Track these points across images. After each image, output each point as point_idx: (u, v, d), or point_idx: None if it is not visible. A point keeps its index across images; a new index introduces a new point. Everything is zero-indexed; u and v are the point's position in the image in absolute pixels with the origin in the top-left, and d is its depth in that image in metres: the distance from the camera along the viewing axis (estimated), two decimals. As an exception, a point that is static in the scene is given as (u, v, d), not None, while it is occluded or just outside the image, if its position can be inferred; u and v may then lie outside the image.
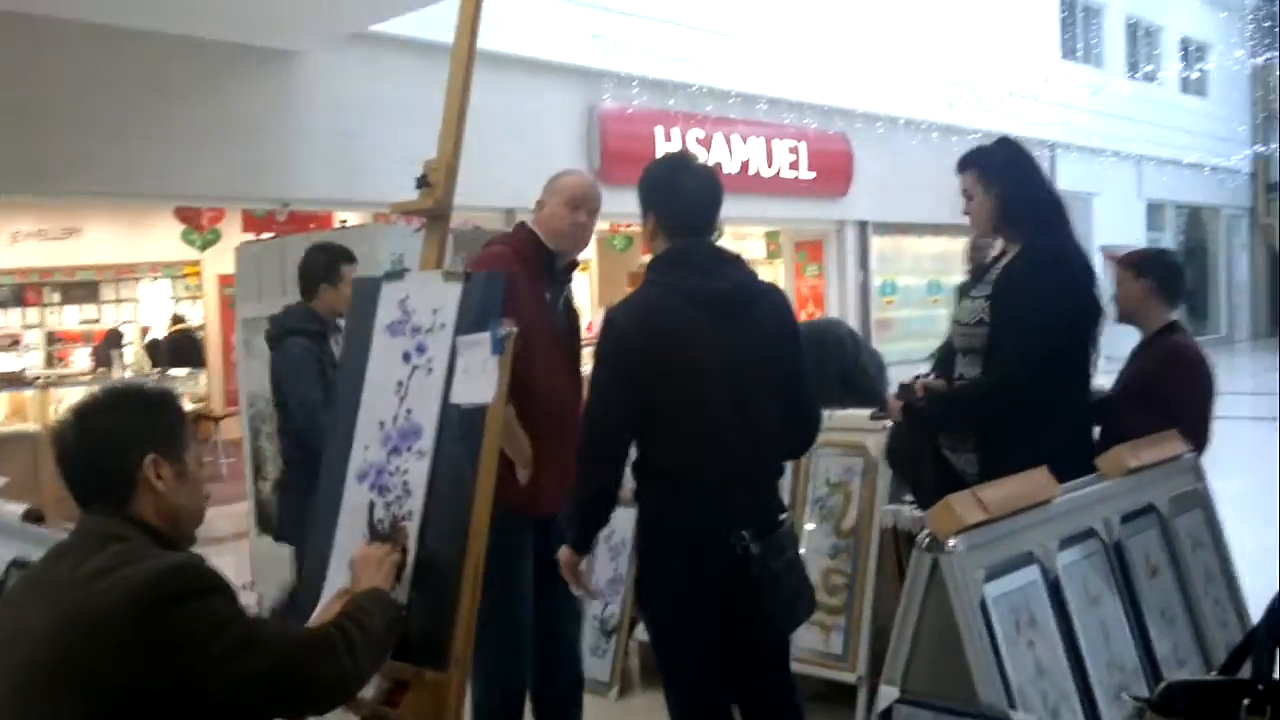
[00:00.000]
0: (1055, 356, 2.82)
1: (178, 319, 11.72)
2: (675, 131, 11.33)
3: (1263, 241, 22.40)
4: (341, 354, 2.63)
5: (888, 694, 2.08)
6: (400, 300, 2.51)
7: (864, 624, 3.64)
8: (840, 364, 4.48)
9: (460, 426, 2.28)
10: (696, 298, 2.59)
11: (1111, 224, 17.60)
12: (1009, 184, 2.98)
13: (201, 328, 12.44)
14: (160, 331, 11.89)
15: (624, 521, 4.34)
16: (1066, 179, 16.16)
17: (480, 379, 2.28)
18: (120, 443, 1.77)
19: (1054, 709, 2.11)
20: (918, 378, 3.13)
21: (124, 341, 11.90)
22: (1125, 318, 3.50)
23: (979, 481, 2.74)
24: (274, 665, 1.66)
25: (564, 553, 2.68)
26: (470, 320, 2.34)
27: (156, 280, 12.65)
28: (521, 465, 2.92)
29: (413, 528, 2.28)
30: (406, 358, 2.44)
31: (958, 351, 3.05)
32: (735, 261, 2.74)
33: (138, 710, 1.59)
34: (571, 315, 3.19)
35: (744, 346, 2.60)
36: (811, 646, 3.69)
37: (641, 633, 4.22)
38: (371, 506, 2.38)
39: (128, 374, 10.39)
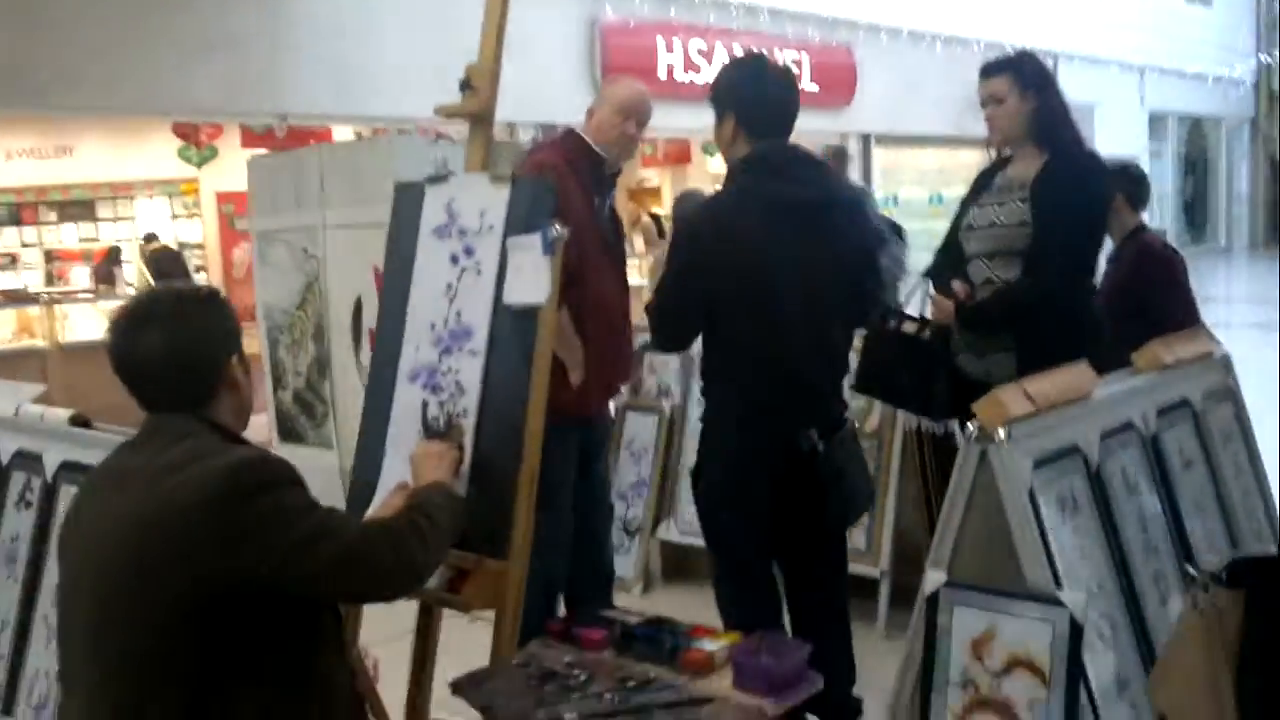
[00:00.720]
0: (1093, 259, 2.99)
1: (151, 237, 11.60)
2: (677, 43, 11.18)
3: (1264, 152, 22.28)
4: (386, 258, 2.64)
5: (935, 579, 2.14)
6: (446, 204, 2.52)
7: (887, 521, 3.73)
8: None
9: (513, 327, 2.31)
10: (775, 204, 2.59)
11: (1114, 134, 17.44)
12: (1044, 91, 3.00)
13: (200, 245, 12.38)
14: (138, 251, 11.78)
15: (645, 427, 4.44)
16: (1069, 89, 15.76)
17: (532, 280, 2.30)
18: (210, 346, 1.79)
19: (1096, 589, 2.18)
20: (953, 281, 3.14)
21: (123, 258, 11.83)
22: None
23: (1006, 382, 2.82)
24: (348, 553, 1.70)
25: None
26: (520, 222, 2.35)
27: (153, 198, 12.54)
28: (574, 369, 3.00)
29: (469, 424, 2.33)
30: (455, 260, 2.46)
31: (977, 256, 3.07)
32: (818, 165, 2.77)
33: (218, 598, 1.63)
34: (616, 222, 3.24)
35: (818, 254, 2.62)
36: (836, 544, 3.78)
37: (664, 531, 4.33)
38: (425, 405, 2.42)
39: (130, 291, 10.34)
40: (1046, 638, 1.99)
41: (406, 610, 2.38)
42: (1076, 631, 1.96)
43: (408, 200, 2.62)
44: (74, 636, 1.74)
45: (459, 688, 2.00)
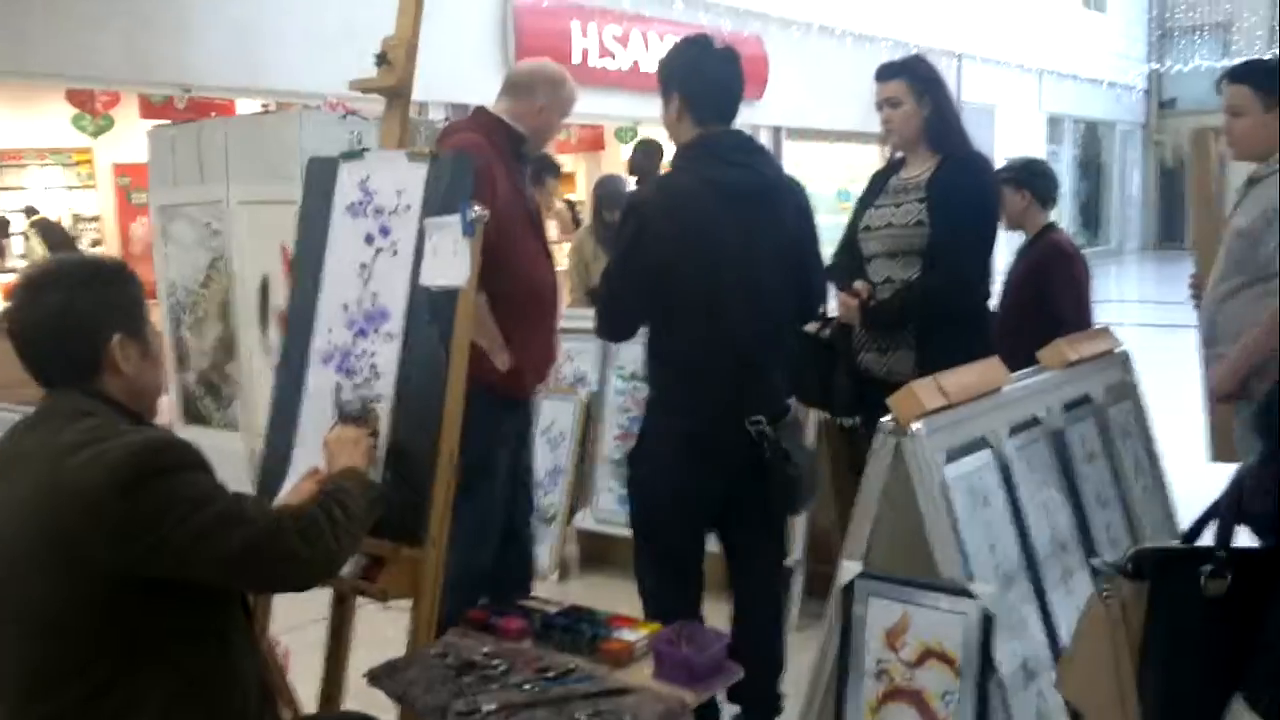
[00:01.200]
0: (987, 253, 3.07)
1: (31, 210, 11.12)
2: (592, 27, 11.11)
3: (1155, 157, 23.15)
4: (297, 235, 2.56)
5: (850, 569, 2.17)
6: (360, 181, 2.46)
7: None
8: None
9: (430, 309, 2.27)
10: (722, 187, 2.60)
11: (1013, 136, 17.95)
12: (938, 96, 3.08)
13: (95, 219, 11.91)
14: (19, 225, 11.28)
15: (563, 414, 4.42)
16: (971, 90, 16.39)
17: (451, 261, 2.26)
18: (85, 324, 1.71)
19: (1005, 581, 2.23)
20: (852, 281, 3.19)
21: (11, 231, 11.31)
22: (1013, 226, 3.93)
23: (907, 379, 2.88)
24: (256, 541, 1.65)
25: None
26: (438, 201, 2.30)
27: (45, 167, 12.00)
28: (496, 354, 2.94)
29: (384, 409, 2.27)
30: (369, 239, 2.40)
31: (875, 256, 3.13)
32: (761, 152, 2.77)
33: (118, 583, 1.57)
34: (535, 206, 3.18)
35: (763, 238, 2.64)
36: (747, 534, 3.82)
37: (581, 520, 4.31)
38: (338, 388, 2.36)
39: (22, 263, 9.91)
40: (959, 629, 2.02)
41: (317, 598, 2.30)
42: (987, 623, 2.01)
43: (320, 176, 2.55)
44: None
45: (375, 678, 1.96)
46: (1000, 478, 2.33)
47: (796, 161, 14.29)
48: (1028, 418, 2.51)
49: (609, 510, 4.21)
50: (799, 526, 3.75)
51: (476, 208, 2.24)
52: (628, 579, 2.96)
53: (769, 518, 2.80)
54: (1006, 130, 17.87)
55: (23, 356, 1.73)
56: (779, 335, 2.76)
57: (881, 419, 2.21)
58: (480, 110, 3.18)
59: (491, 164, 2.86)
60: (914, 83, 3.05)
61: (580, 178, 14.68)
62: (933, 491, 2.12)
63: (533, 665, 1.93)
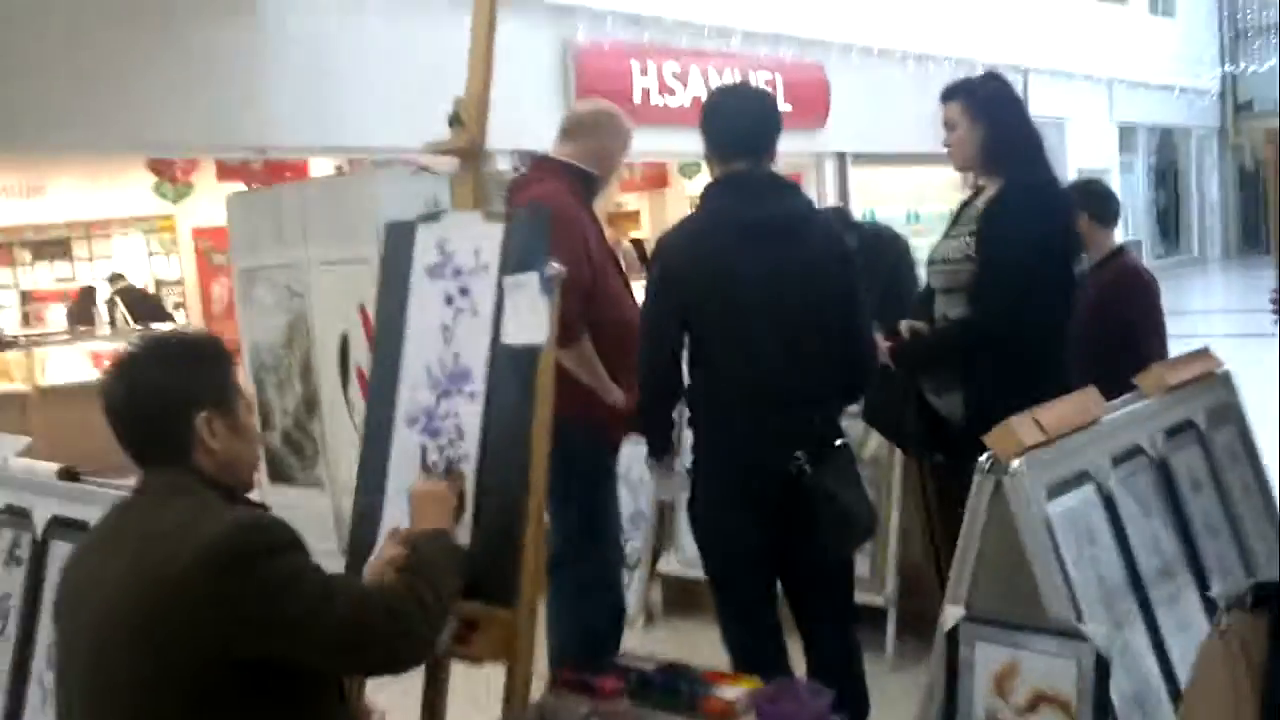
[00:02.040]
0: (1040, 292, 2.81)
1: (117, 277, 11.49)
2: (651, 66, 11.19)
3: (1233, 162, 22.54)
4: (378, 299, 2.59)
5: (954, 614, 2.11)
6: (438, 242, 2.47)
7: (890, 548, 3.69)
8: (893, 261, 4.55)
9: (511, 367, 2.27)
10: (742, 224, 2.60)
11: (1085, 148, 17.66)
12: (996, 118, 2.93)
13: (178, 282, 12.27)
14: (105, 292, 11.65)
15: (639, 460, 4.39)
16: (1039, 104, 16.15)
17: (530, 319, 2.26)
18: (172, 401, 1.72)
19: (1117, 620, 2.14)
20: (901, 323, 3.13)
21: (98, 298, 11.70)
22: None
23: (963, 423, 2.82)
24: (349, 632, 1.64)
25: (647, 459, 2.88)
26: (515, 260, 2.31)
27: (129, 235, 12.42)
28: (605, 394, 3.03)
29: (469, 469, 2.27)
30: (449, 300, 2.41)
31: (937, 292, 3.06)
32: (787, 188, 2.75)
33: (209, 667, 1.57)
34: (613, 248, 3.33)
35: (792, 274, 2.62)
36: (838, 573, 3.75)
37: (665, 564, 4.27)
38: (424, 450, 2.37)
39: (107, 330, 10.23)
40: (1072, 672, 1.95)
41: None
42: (1102, 665, 1.93)
43: (399, 239, 2.57)
44: (72, 700, 1.68)
45: (471, 744, 1.94)
46: (1105, 512, 2.25)
47: (862, 186, 14.22)
48: (1130, 447, 2.42)
49: (693, 554, 4.14)
50: (889, 565, 3.68)
51: (554, 264, 2.24)
52: (714, 624, 2.92)
53: (820, 558, 2.73)
54: (1078, 143, 17.57)
55: (117, 434, 1.75)
56: (815, 370, 2.68)
57: (980, 458, 2.15)
58: (545, 159, 3.22)
59: (578, 212, 2.96)
60: (969, 104, 2.94)
61: (644, 216, 14.75)
62: (1037, 530, 2.05)
63: (633, 727, 1.89)
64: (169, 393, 1.72)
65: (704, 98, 2.89)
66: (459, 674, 2.43)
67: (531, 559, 2.14)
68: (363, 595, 1.75)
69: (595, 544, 3.09)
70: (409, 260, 2.52)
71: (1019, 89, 3.18)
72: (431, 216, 2.55)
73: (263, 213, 5.24)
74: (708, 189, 2.74)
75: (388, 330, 2.54)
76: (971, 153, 2.96)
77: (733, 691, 1.94)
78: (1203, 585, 2.41)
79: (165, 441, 1.73)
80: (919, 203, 14.46)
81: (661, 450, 2.86)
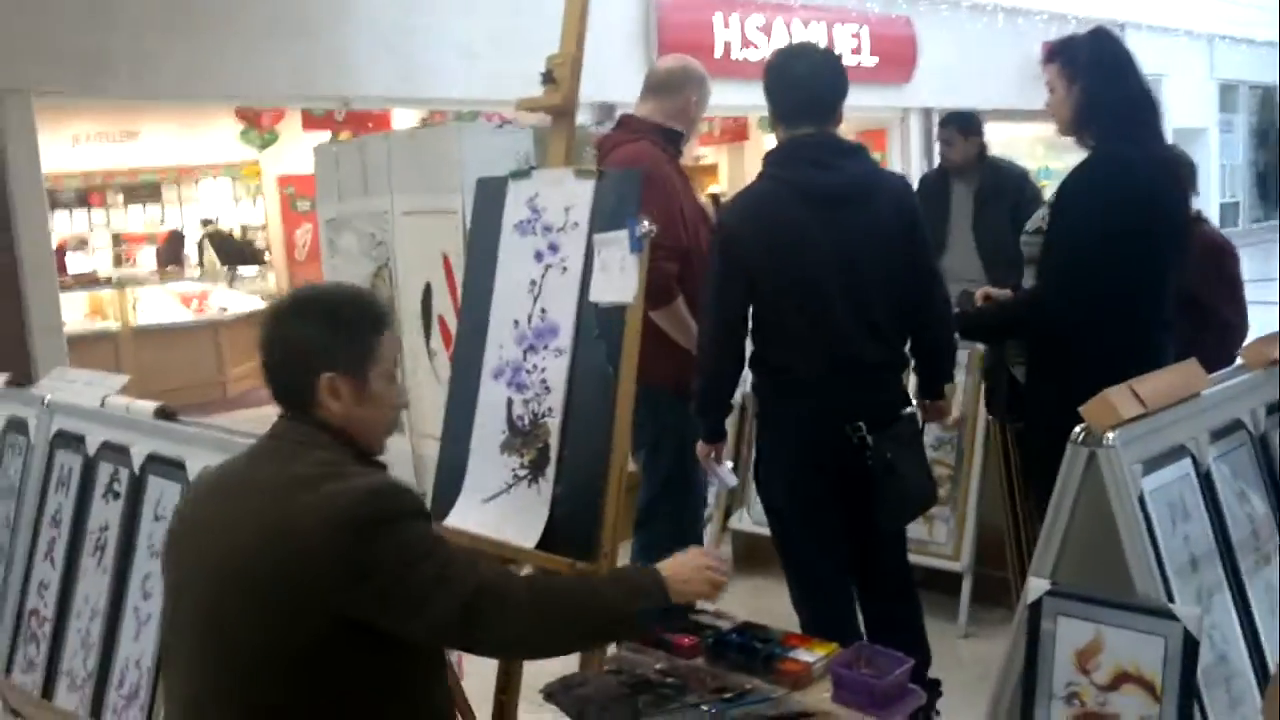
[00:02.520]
0: (1105, 273, 2.63)
1: (207, 221, 11.75)
2: (735, 19, 11.03)
3: (1339, 123, 21.56)
4: (468, 254, 2.62)
5: (1038, 586, 2.07)
6: (529, 199, 2.48)
7: (969, 515, 3.66)
8: (1014, 199, 4.55)
9: (599, 325, 2.28)
10: (808, 192, 2.58)
11: (1184, 106, 17.01)
12: (1093, 82, 2.74)
13: (263, 227, 12.51)
14: (195, 236, 11.92)
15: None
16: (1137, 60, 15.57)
17: (619, 277, 2.26)
18: (301, 356, 1.76)
19: (1208, 601, 2.10)
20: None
21: (186, 241, 12.01)
22: None
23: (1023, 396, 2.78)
24: (461, 610, 1.63)
25: (700, 446, 2.86)
26: (606, 218, 2.31)
27: (217, 180, 12.69)
28: (695, 348, 3.02)
29: (554, 424, 2.30)
30: (539, 256, 2.43)
31: (1024, 261, 2.99)
32: (853, 152, 2.71)
33: (325, 625, 1.59)
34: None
35: (857, 240, 2.59)
36: (915, 536, 3.71)
37: (736, 521, 4.29)
38: (510, 403, 2.40)
39: (197, 273, 10.49)
40: (1159, 652, 1.91)
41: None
42: (1191, 646, 1.89)
43: (489, 195, 2.59)
44: (180, 637, 1.73)
45: (551, 695, 1.98)
46: (1201, 489, 2.19)
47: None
48: (1229, 422, 2.35)
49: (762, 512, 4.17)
50: (967, 531, 3.64)
51: (645, 223, 2.23)
52: (783, 581, 2.96)
53: (877, 528, 2.73)
54: (1177, 100, 16.92)
55: (263, 374, 1.83)
56: (882, 338, 2.67)
57: (1074, 429, 2.10)
58: (630, 117, 3.24)
59: (670, 172, 3.00)
60: (1067, 67, 2.78)
61: (723, 170, 14.62)
62: (1130, 506, 2.01)
63: (708, 685, 1.91)
64: (297, 345, 1.77)
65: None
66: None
67: (612, 514, 2.16)
68: (479, 579, 1.67)
69: (683, 498, 3.20)
70: (499, 215, 2.54)
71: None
72: (523, 173, 2.56)
73: (349, 163, 5.30)
74: (771, 154, 2.70)
75: (476, 284, 2.57)
76: (1067, 118, 2.80)
77: (810, 655, 1.94)
78: (1299, 567, 2.34)
79: (291, 393, 1.78)
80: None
81: (715, 434, 2.84)
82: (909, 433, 2.77)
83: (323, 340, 1.76)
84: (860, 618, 2.89)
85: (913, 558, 3.71)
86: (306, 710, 1.61)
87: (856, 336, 2.63)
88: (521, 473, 2.32)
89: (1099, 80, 2.76)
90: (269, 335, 1.79)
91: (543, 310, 2.39)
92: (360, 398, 1.77)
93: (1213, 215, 18.52)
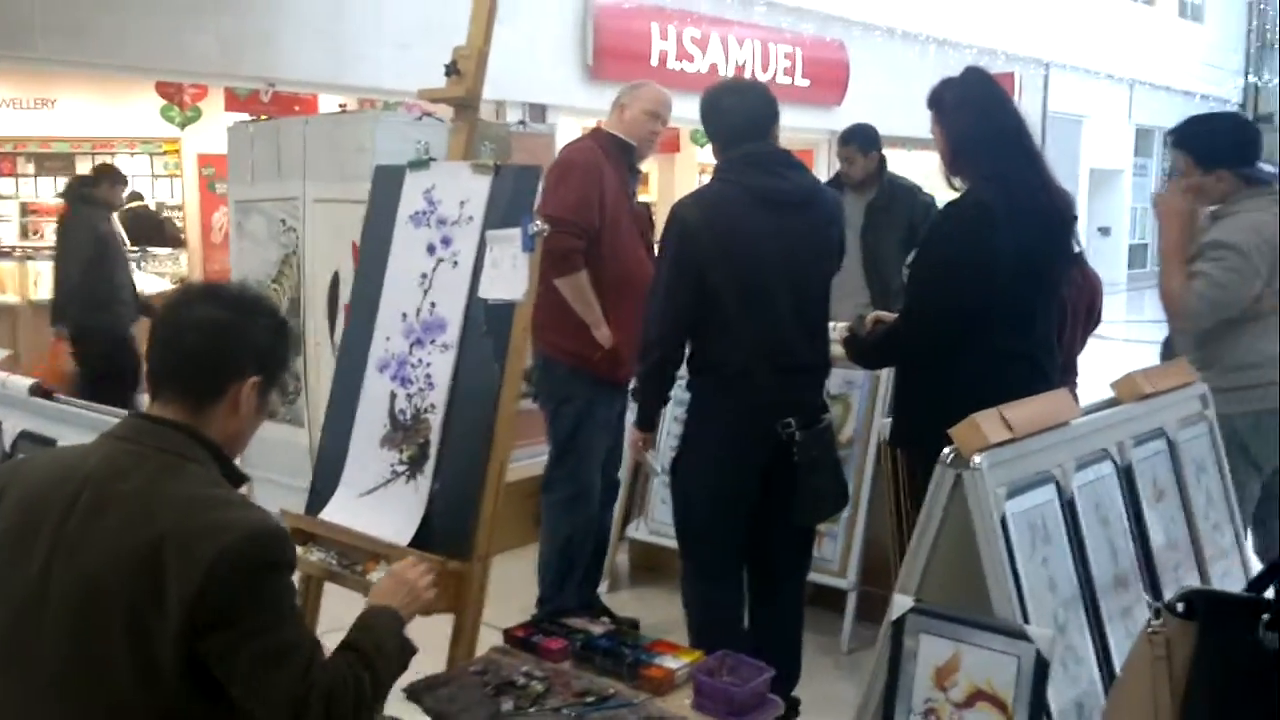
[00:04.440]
0: (953, 302, 2.61)
1: (135, 195, 11.41)
2: (671, 30, 11.08)
3: (1247, 173, 22.39)
4: (362, 242, 2.59)
5: (902, 603, 2.11)
6: (425, 190, 2.47)
7: (857, 533, 3.71)
8: (909, 217, 4.79)
9: (487, 322, 2.27)
10: (761, 195, 2.70)
11: (1100, 147, 17.56)
12: (959, 122, 2.70)
13: (179, 207, 12.21)
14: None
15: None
16: (1058, 100, 16.03)
17: (510, 274, 2.25)
18: (234, 350, 1.64)
19: (1063, 624, 2.16)
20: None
21: (100, 217, 11.66)
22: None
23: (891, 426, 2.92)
24: (294, 692, 1.53)
25: (631, 432, 3.02)
26: (500, 214, 2.31)
27: (134, 155, 12.33)
28: (595, 326, 3.31)
29: (435, 420, 2.28)
30: (431, 250, 2.41)
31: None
32: (799, 165, 2.88)
33: (178, 662, 1.50)
34: (642, 209, 3.58)
35: (800, 245, 2.74)
36: (804, 553, 3.76)
37: (634, 530, 4.29)
38: (393, 397, 2.37)
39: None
40: (1011, 671, 1.95)
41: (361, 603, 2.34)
42: (1042, 667, 1.93)
43: (387, 183, 2.57)
44: (26, 632, 1.57)
45: (414, 693, 1.96)
46: (1063, 515, 2.25)
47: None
48: (1096, 451, 2.42)
49: (663, 522, 4.17)
50: (854, 550, 3.69)
51: (538, 222, 2.23)
52: (676, 590, 3.02)
53: (791, 526, 2.85)
54: (1094, 141, 17.46)
55: (156, 355, 1.67)
56: (818, 339, 2.84)
57: (943, 450, 2.15)
58: (595, 129, 3.66)
59: (600, 163, 3.32)
60: (935, 109, 2.74)
61: (654, 180, 14.66)
62: (992, 528, 2.05)
63: (572, 689, 1.91)
64: (234, 338, 1.64)
65: (719, 68, 3.00)
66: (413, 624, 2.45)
67: (488, 513, 2.15)
68: (308, 668, 1.57)
69: (574, 466, 3.45)
70: (395, 205, 2.52)
71: (1039, 83, 3.09)
72: (421, 164, 2.54)
73: (263, 145, 5.19)
74: (722, 163, 2.83)
75: (368, 274, 2.54)
76: (945, 158, 2.76)
77: (675, 662, 1.96)
78: (1156, 596, 2.42)
79: (198, 386, 1.64)
80: (932, 191, 14.38)
81: (647, 423, 2.95)
82: (829, 435, 2.90)
83: (268, 342, 1.67)
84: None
85: (801, 573, 3.80)
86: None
87: (796, 337, 2.76)
88: (400, 468, 2.30)
89: (966, 119, 2.70)
90: (196, 316, 1.63)
91: (432, 304, 2.37)
92: (258, 411, 1.69)
93: (1121, 256, 19.11)
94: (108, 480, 1.58)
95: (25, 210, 12.14)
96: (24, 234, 11.83)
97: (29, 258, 8.59)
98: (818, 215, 2.82)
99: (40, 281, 8.35)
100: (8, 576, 1.59)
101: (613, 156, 3.43)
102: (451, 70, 2.51)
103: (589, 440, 3.47)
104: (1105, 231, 18.63)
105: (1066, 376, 3.60)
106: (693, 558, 2.94)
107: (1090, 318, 3.76)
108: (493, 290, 2.26)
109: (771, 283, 2.71)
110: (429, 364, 2.33)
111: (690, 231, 2.69)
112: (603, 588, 4.19)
